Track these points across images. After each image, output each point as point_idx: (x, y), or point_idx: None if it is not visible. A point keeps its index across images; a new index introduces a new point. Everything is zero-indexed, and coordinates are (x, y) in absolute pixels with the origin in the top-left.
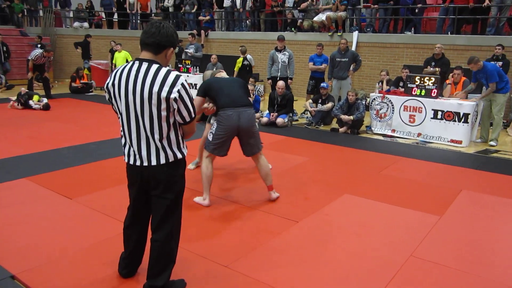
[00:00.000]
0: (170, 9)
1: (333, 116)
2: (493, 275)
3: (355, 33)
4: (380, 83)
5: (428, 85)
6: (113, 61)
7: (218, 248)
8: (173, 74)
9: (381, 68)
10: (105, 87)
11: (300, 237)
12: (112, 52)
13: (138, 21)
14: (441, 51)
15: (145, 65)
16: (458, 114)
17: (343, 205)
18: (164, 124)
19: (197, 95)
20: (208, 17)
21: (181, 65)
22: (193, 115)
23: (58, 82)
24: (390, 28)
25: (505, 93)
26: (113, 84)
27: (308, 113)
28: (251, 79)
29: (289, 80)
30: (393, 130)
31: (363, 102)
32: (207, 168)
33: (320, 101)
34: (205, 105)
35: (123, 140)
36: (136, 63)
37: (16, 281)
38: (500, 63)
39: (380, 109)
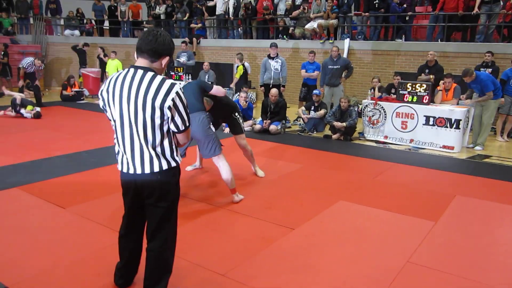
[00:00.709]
0: (162, 17)
1: (326, 123)
2: (490, 280)
3: (347, 41)
4: (372, 90)
5: (420, 91)
6: (106, 69)
7: (214, 257)
8: (168, 82)
9: (372, 75)
10: (99, 93)
11: (296, 244)
12: (100, 59)
13: (130, 29)
14: (434, 58)
15: (140, 72)
16: (449, 120)
17: (338, 212)
18: (158, 132)
19: None
20: (200, 25)
21: (173, 73)
22: (187, 124)
23: (48, 90)
24: (381, 35)
25: (497, 99)
26: (107, 91)
27: (301, 120)
28: (244, 87)
29: (281, 88)
30: (386, 137)
31: (356, 109)
32: None
33: (312, 108)
34: None
35: (116, 148)
36: (131, 70)
37: None
38: (490, 69)
39: (373, 116)
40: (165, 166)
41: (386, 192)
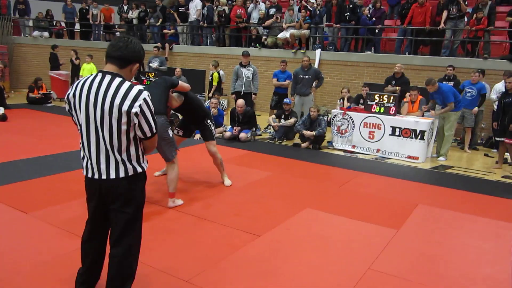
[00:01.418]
0: (134, 21)
1: (295, 131)
2: (448, 286)
3: (318, 51)
4: (341, 100)
5: (387, 102)
6: (80, 73)
7: (178, 263)
8: (136, 88)
9: (342, 85)
10: (65, 97)
11: (262, 251)
12: (72, 62)
13: (101, 33)
14: (401, 70)
15: (108, 78)
16: (415, 131)
17: (304, 219)
18: (124, 138)
19: None
20: (172, 31)
21: (144, 78)
22: (154, 131)
23: (14, 92)
24: (351, 47)
25: (457, 111)
26: (73, 95)
27: (271, 128)
28: (216, 94)
29: (253, 95)
30: (354, 146)
31: (325, 118)
32: None
33: (283, 117)
34: None
35: (82, 153)
36: (99, 75)
37: None
38: (452, 83)
39: (341, 125)
40: (131, 172)
41: (352, 200)
